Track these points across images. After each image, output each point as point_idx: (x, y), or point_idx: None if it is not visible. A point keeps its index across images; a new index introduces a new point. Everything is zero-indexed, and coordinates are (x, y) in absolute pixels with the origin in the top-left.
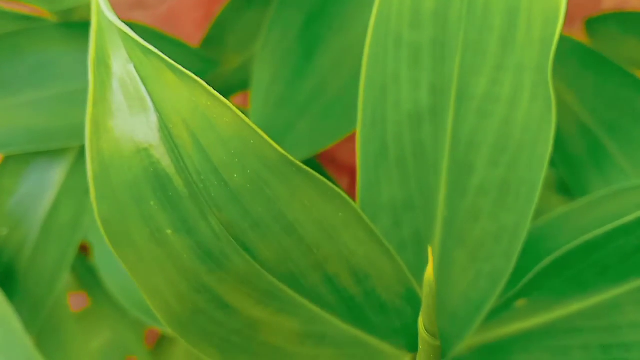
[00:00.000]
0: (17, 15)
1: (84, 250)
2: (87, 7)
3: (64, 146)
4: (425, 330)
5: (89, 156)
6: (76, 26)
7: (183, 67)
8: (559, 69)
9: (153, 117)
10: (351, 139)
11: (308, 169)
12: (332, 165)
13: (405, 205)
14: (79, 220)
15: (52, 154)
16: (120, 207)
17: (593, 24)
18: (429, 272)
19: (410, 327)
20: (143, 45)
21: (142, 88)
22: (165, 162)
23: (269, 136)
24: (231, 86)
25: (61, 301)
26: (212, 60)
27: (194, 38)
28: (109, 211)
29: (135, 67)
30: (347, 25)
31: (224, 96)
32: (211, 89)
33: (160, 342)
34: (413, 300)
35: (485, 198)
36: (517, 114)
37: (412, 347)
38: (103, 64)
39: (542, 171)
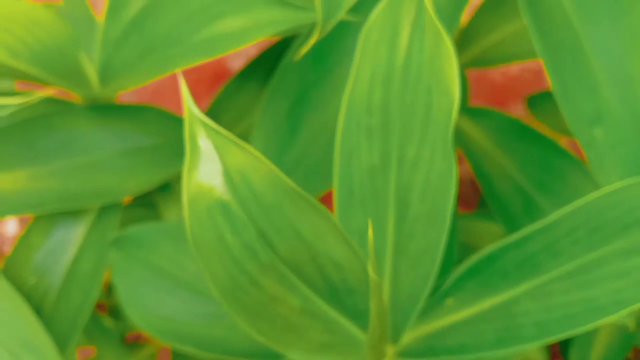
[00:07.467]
0: (49, 99)
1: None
2: (110, 91)
3: (86, 207)
4: (376, 312)
5: (184, 191)
6: (100, 108)
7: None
8: (497, 140)
9: (219, 168)
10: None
11: (311, 198)
12: None
13: (366, 229)
14: (98, 270)
15: (75, 214)
16: (203, 226)
17: (534, 101)
18: (372, 275)
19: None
20: (214, 127)
21: (215, 153)
22: (227, 197)
23: None
24: None
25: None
26: None
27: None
28: (197, 229)
29: (211, 142)
30: (322, 108)
31: None
32: (252, 150)
33: None
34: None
35: (417, 224)
36: (433, 169)
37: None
38: (193, 140)
39: (449, 203)
